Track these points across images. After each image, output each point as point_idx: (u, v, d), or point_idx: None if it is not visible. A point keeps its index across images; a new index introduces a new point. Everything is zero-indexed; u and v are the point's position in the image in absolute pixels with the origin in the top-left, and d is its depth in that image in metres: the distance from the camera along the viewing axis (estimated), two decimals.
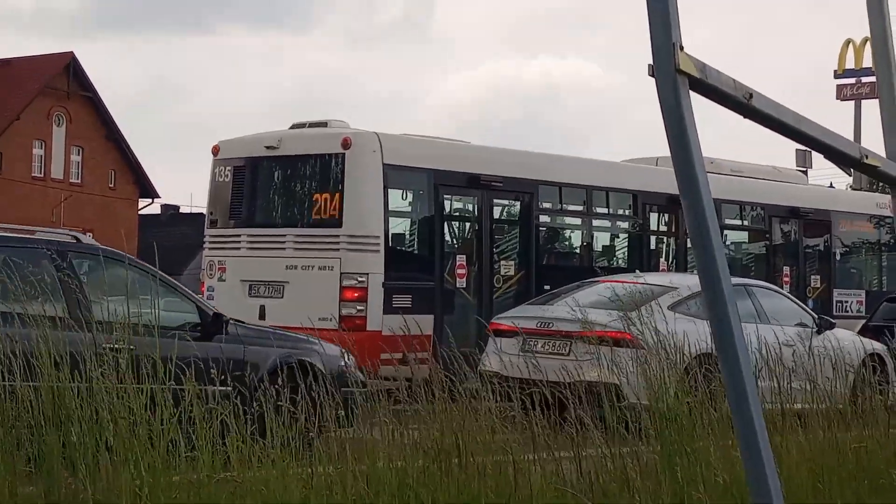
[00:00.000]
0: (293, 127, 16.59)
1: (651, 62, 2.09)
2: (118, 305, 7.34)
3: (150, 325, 6.96)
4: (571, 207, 18.27)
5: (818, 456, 7.48)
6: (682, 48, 2.09)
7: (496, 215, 17.36)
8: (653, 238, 19.56)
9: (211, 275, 16.37)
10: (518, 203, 17.57)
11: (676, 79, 2.09)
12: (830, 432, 7.86)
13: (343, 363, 9.68)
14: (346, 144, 15.37)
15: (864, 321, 18.85)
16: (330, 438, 6.76)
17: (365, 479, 6.33)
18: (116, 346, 6.63)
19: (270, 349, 9.39)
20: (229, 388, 7.18)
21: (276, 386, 6.87)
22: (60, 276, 8.55)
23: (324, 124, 16.29)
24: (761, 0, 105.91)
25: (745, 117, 2.37)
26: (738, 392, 2.19)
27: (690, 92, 2.16)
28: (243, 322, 10.22)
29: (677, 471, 6.82)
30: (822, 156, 2.71)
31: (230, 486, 5.98)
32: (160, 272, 8.64)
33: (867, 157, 2.81)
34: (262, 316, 15.00)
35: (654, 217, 19.40)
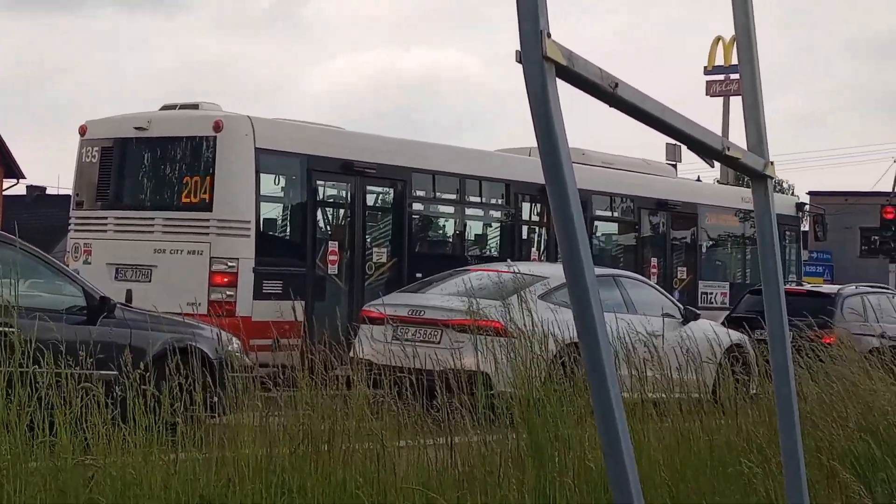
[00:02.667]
0: (163, 108, 16.32)
1: (519, 49, 2.10)
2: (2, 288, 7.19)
3: (35, 307, 6.83)
4: (444, 196, 18.33)
5: (673, 445, 7.63)
6: (549, 35, 2.09)
7: (369, 202, 17.33)
8: (525, 227, 19.74)
9: (76, 257, 16.02)
10: (391, 190, 17.57)
11: (543, 65, 2.09)
12: (685, 421, 8.02)
13: (230, 348, 9.62)
14: (217, 127, 15.17)
15: (727, 312, 19.30)
16: (195, 424, 6.67)
17: (231, 465, 6.27)
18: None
19: (157, 334, 9.31)
20: (114, 373, 7.06)
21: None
22: None
23: (195, 106, 16.06)
24: None
25: (611, 106, 2.39)
26: (599, 380, 2.21)
27: (558, 81, 2.17)
28: (131, 306, 10.07)
29: (546, 457, 6.88)
30: (685, 147, 2.75)
31: (90, 472, 5.88)
32: (50, 256, 8.46)
33: (729, 149, 2.85)
34: (128, 300, 14.75)
35: (526, 207, 19.58)
